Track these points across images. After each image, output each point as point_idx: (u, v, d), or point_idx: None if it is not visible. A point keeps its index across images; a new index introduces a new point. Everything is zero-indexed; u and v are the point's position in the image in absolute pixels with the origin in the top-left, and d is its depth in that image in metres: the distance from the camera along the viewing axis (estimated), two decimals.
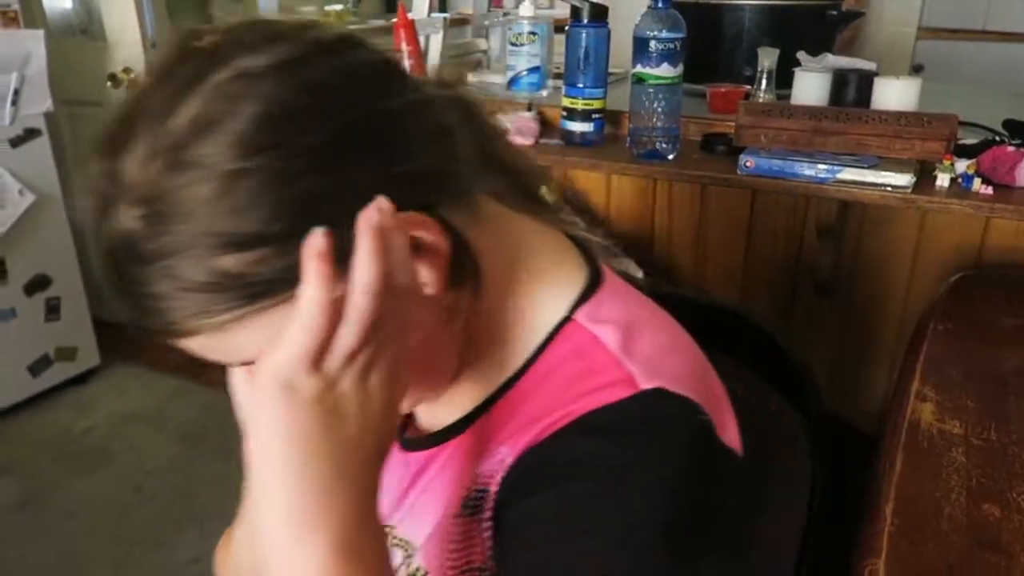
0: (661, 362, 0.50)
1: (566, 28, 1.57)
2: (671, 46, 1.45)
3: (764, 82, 1.64)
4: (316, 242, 0.40)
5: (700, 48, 1.63)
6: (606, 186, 1.70)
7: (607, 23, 1.57)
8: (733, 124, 1.48)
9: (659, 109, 1.48)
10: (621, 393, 0.48)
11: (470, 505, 0.53)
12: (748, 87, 1.70)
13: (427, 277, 0.46)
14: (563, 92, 1.61)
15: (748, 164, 1.39)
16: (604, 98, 1.59)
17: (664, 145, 1.50)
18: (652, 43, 1.44)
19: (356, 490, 0.44)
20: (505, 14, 2.18)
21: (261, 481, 0.43)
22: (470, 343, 0.54)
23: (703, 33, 1.70)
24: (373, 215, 0.41)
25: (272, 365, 0.41)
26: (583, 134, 1.59)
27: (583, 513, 0.45)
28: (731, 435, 0.53)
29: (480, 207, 0.52)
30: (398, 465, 0.61)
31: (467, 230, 0.49)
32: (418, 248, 0.45)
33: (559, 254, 0.57)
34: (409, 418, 0.63)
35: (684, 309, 0.92)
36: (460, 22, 2.60)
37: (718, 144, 1.53)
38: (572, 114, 1.59)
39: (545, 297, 0.55)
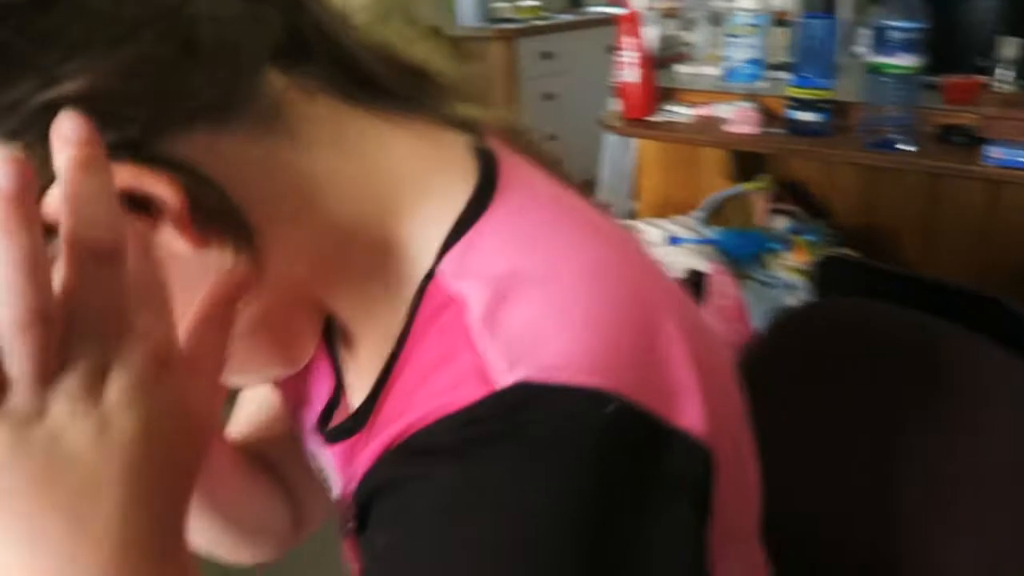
0: (540, 335, 0.34)
1: (785, 21, 1.59)
2: (911, 36, 1.44)
3: (1006, 72, 1.59)
4: None
5: (930, 38, 1.60)
6: (829, 177, 1.70)
7: (835, 14, 1.57)
8: (970, 115, 1.45)
9: (895, 99, 1.47)
10: (472, 393, 0.33)
11: (344, 523, 0.44)
12: (982, 78, 1.65)
13: (172, 237, 0.35)
14: (790, 82, 1.62)
15: (995, 155, 1.36)
16: (832, 88, 1.59)
17: (898, 135, 1.49)
18: (892, 32, 1.44)
19: (106, 550, 0.30)
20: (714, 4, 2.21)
21: None
22: (333, 299, 0.42)
23: (935, 23, 1.67)
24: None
25: None
26: (810, 123, 1.60)
27: (398, 570, 0.33)
28: (691, 418, 0.36)
29: (282, 114, 0.37)
30: (332, 461, 0.50)
31: (239, 159, 0.36)
32: (138, 201, 0.33)
33: (433, 164, 0.41)
34: (338, 398, 0.50)
35: (934, 294, 0.93)
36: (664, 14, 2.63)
37: (957, 135, 1.50)
38: (799, 104, 1.60)
39: (410, 235, 0.40)
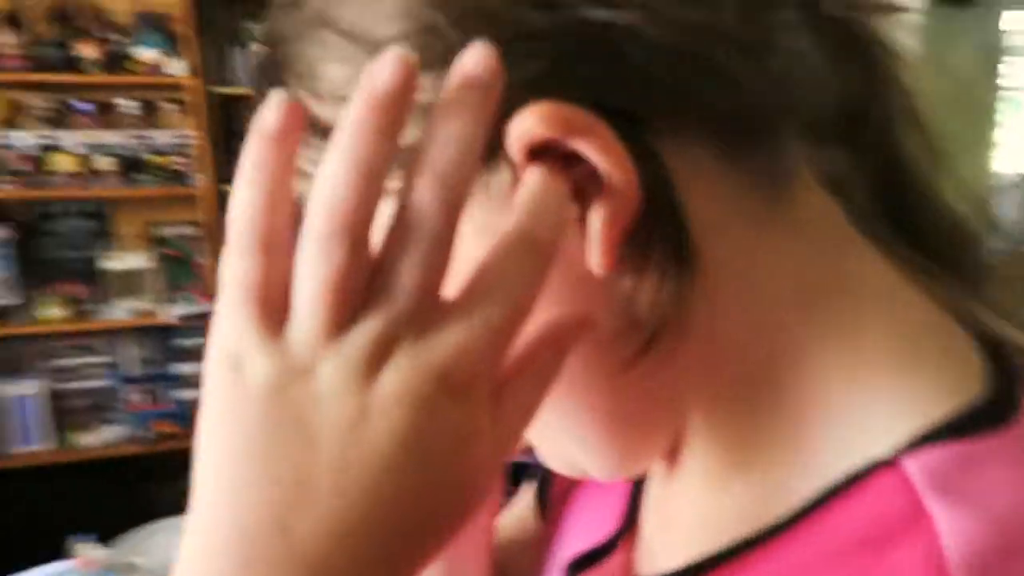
0: None
1: None
2: None
3: None
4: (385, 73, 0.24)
5: None
6: None
7: None
8: None
9: None
10: None
11: None
12: None
13: (587, 244, 0.27)
14: None
15: None
16: None
17: None
18: None
19: (291, 552, 0.24)
20: None
21: (198, 497, 0.26)
22: (722, 421, 0.32)
23: None
24: (479, 65, 0.24)
25: (215, 326, 0.26)
26: None
27: None
28: None
29: (786, 185, 0.30)
30: None
31: (721, 207, 0.29)
32: (584, 183, 0.27)
33: (930, 341, 0.31)
34: (624, 547, 0.40)
35: None
36: None
37: None
38: None
39: (868, 407, 0.29)
